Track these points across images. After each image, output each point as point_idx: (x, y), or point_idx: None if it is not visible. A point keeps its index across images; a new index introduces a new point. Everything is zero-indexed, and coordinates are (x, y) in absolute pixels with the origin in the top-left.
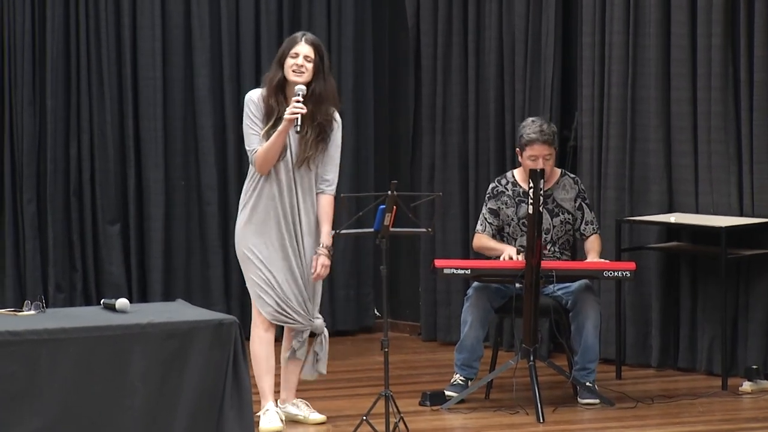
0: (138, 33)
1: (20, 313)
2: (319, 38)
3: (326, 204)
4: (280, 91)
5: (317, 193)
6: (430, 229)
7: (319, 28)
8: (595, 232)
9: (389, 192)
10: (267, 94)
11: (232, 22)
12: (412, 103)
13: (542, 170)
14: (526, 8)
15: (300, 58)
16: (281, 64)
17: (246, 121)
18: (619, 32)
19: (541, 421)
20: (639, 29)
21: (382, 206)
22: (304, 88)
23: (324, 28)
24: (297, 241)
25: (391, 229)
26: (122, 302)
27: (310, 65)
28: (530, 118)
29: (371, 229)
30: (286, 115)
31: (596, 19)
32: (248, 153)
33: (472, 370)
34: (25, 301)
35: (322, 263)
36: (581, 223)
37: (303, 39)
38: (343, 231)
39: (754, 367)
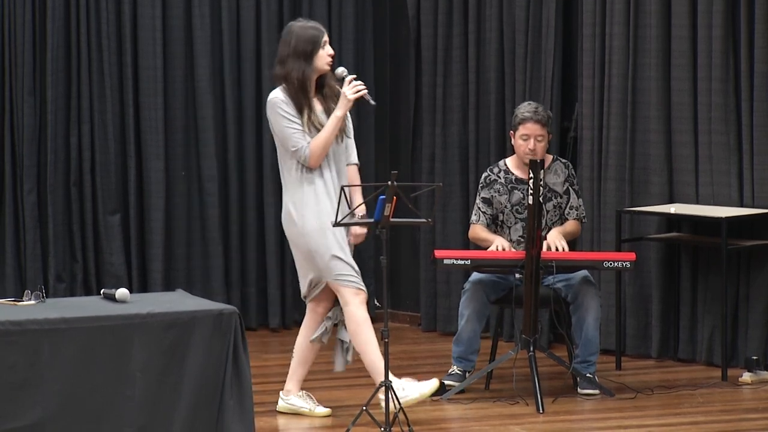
0: (138, 23)
1: (20, 303)
2: None
3: (355, 174)
4: (308, 86)
5: (347, 165)
6: (430, 220)
7: (320, 18)
8: (578, 219)
9: (389, 182)
10: (296, 91)
11: (232, 11)
12: (412, 94)
13: (542, 161)
14: None
15: (328, 47)
16: (310, 59)
17: (283, 122)
18: (620, 23)
19: (541, 411)
20: (639, 20)
21: (382, 196)
22: (344, 68)
23: (325, 18)
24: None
25: (392, 220)
26: (122, 292)
27: None
28: (527, 102)
29: (371, 220)
30: (351, 96)
31: (597, 10)
32: (297, 151)
33: (469, 363)
34: (26, 291)
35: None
36: (566, 207)
37: (323, 28)
38: (343, 221)
39: (754, 357)
